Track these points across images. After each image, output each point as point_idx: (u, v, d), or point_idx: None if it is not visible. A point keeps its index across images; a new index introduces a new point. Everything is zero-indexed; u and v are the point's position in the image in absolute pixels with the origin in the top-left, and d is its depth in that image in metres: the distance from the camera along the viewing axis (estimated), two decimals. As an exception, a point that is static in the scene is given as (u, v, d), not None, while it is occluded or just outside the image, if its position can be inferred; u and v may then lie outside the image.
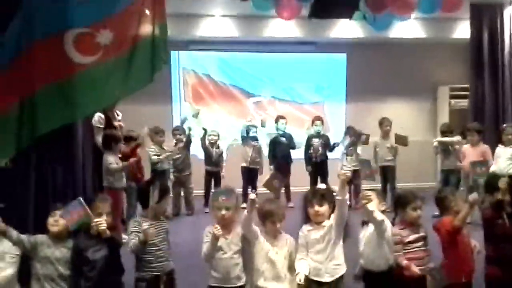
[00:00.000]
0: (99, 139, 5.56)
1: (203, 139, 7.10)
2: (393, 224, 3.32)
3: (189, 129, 6.90)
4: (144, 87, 4.14)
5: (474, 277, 3.38)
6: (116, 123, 5.83)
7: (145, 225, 3.04)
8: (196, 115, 7.06)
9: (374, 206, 3.13)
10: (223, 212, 3.03)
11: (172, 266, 3.27)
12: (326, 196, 3.13)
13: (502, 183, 3.35)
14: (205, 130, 7.14)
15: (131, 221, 3.24)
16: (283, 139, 7.31)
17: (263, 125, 7.42)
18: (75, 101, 3.91)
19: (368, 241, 3.26)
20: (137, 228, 3.09)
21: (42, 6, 3.83)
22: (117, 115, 6.02)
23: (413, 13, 5.82)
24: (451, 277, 3.28)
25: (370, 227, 3.22)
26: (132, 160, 5.67)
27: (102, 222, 2.98)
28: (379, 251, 3.21)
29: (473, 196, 3.20)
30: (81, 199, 3.06)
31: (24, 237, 3.09)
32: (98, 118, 5.57)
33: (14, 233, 3.03)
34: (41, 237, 3.14)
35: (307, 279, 3.01)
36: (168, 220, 6.16)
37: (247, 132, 7.25)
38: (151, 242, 3.08)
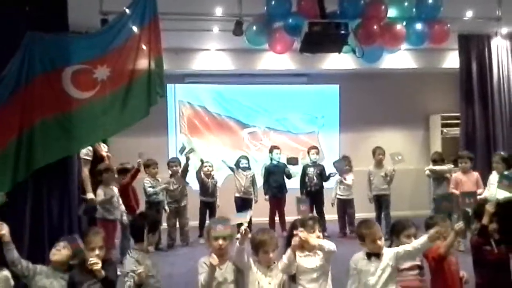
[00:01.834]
0: (86, 171, 5.57)
1: (199, 171, 7.18)
2: None
3: (187, 158, 6.96)
4: (140, 120, 4.23)
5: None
6: (103, 153, 5.86)
7: (140, 268, 3.05)
8: (189, 152, 7.17)
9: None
10: (220, 242, 3.06)
11: None
12: (320, 224, 3.23)
13: (489, 206, 3.42)
14: (202, 161, 7.23)
15: (128, 258, 3.21)
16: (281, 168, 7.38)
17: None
18: (72, 135, 4.00)
19: (380, 274, 3.16)
20: (134, 267, 3.08)
21: (41, 43, 3.96)
22: (103, 146, 6.05)
23: (402, 46, 5.99)
24: None
25: (384, 260, 3.14)
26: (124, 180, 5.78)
27: (97, 263, 3.01)
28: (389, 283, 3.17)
29: (459, 224, 3.26)
30: (77, 236, 3.13)
31: (24, 261, 3.12)
32: (86, 150, 5.54)
33: (16, 252, 3.08)
34: (41, 267, 3.19)
35: None
36: (163, 252, 6.26)
37: (238, 163, 7.33)
38: (150, 275, 3.10)
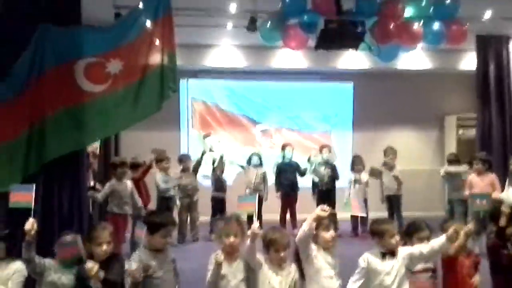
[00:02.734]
0: None
1: (217, 167, 7.17)
2: None
3: (203, 153, 6.95)
4: (152, 115, 4.20)
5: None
6: (89, 150, 5.78)
7: (134, 265, 2.96)
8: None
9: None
10: (232, 239, 3.01)
11: None
12: (336, 223, 3.19)
13: (505, 208, 3.33)
14: (221, 157, 7.22)
15: (133, 255, 3.14)
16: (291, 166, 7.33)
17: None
18: (83, 128, 3.98)
19: (397, 273, 3.09)
20: (134, 266, 2.98)
21: (53, 36, 3.95)
22: None
23: (419, 45, 5.90)
24: None
25: (399, 260, 3.09)
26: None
27: (92, 269, 2.93)
28: (404, 283, 3.10)
29: (469, 226, 3.19)
30: (79, 237, 3.04)
31: (37, 257, 3.07)
32: None
33: (34, 250, 3.03)
34: (49, 261, 3.13)
35: None
36: (173, 247, 6.22)
37: (249, 160, 7.30)
38: (154, 276, 3.01)
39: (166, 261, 3.16)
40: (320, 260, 3.07)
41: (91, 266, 2.94)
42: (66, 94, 3.91)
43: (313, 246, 3.07)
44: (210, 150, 7.13)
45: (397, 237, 3.10)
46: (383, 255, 3.12)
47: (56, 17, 3.96)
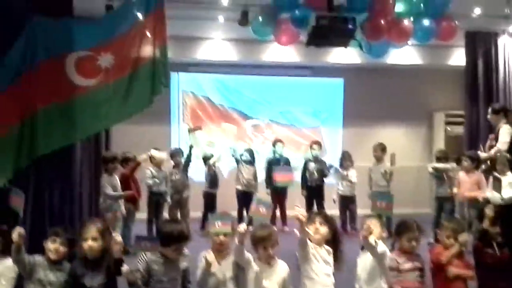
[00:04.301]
0: None
1: (213, 164, 7.16)
2: (392, 249, 3.35)
3: (191, 147, 6.92)
4: (143, 109, 4.19)
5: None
6: None
7: (125, 267, 2.93)
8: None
9: (377, 234, 3.14)
10: (221, 238, 3.03)
11: None
12: (329, 220, 3.21)
13: (489, 210, 3.38)
14: (220, 156, 7.26)
15: (141, 254, 3.07)
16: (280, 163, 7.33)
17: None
18: (74, 123, 3.96)
19: (365, 267, 3.23)
20: (138, 265, 2.98)
21: (45, 28, 3.91)
22: None
23: (409, 41, 5.93)
24: None
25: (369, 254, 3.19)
26: (129, 192, 5.78)
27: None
28: (375, 277, 3.17)
29: (464, 236, 3.23)
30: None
31: (26, 257, 3.06)
32: None
33: (23, 253, 3.00)
34: (38, 259, 3.12)
35: None
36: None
37: (241, 155, 7.31)
38: (157, 279, 2.98)
39: (174, 269, 3.07)
40: (318, 258, 3.10)
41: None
42: (57, 88, 3.88)
43: (311, 244, 3.09)
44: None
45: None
46: (362, 249, 3.23)
47: (48, 8, 3.93)
